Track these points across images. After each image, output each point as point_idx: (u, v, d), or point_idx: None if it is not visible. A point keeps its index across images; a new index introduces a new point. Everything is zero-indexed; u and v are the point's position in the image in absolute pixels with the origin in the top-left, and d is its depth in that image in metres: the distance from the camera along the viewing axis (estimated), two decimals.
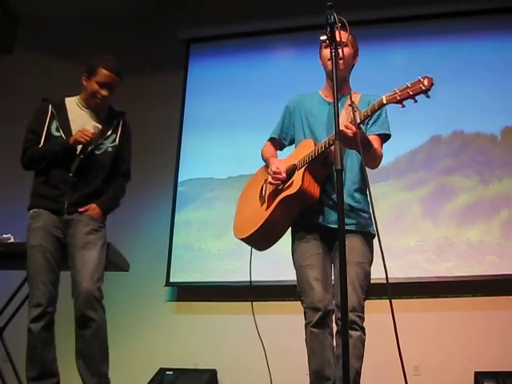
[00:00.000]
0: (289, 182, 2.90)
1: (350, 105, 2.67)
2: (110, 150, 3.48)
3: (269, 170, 3.01)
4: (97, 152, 3.42)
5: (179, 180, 6.17)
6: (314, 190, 2.84)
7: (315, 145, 2.87)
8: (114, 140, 3.51)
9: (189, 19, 6.67)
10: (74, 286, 3.24)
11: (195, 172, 6.18)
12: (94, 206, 3.38)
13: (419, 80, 2.49)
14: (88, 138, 3.31)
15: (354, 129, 2.62)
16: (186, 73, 6.58)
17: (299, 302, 2.93)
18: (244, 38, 6.52)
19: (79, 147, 3.36)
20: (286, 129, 3.21)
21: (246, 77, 6.32)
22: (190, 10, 6.70)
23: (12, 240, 4.03)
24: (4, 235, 4.03)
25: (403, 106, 2.53)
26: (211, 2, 6.66)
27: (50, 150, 3.37)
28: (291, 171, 2.94)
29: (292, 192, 2.84)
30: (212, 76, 6.49)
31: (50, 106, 3.48)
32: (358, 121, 2.65)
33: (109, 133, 3.50)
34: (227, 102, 6.25)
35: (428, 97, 2.48)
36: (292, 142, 3.23)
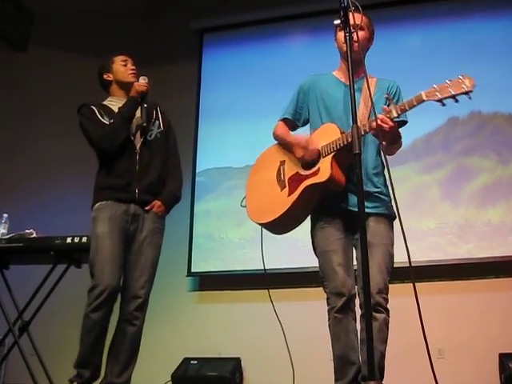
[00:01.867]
0: (314, 169, 2.86)
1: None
2: (158, 136, 3.53)
3: (294, 149, 2.97)
4: (149, 138, 3.47)
5: (197, 170, 6.18)
6: (341, 177, 2.81)
7: (341, 132, 2.82)
8: (159, 126, 3.56)
9: (201, 9, 6.66)
10: (129, 281, 3.29)
11: (213, 162, 6.19)
12: (159, 203, 3.41)
13: (459, 79, 2.49)
14: (146, 86, 3.44)
15: (391, 123, 2.67)
16: (200, 63, 6.58)
17: (320, 288, 2.92)
18: (257, 26, 6.49)
19: (138, 138, 3.42)
20: (299, 109, 3.14)
21: (261, 64, 6.30)
22: None
23: (34, 235, 4.06)
24: (26, 230, 4.07)
25: (443, 105, 2.55)
26: None
27: (120, 114, 3.38)
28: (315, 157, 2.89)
29: (321, 180, 2.80)
30: (226, 65, 6.49)
31: (93, 107, 3.47)
32: (395, 114, 2.67)
33: (153, 119, 3.55)
34: (242, 91, 6.25)
35: (470, 98, 2.48)
36: (305, 123, 3.17)
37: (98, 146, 3.38)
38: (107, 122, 3.38)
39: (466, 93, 2.47)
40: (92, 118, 3.42)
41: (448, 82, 2.52)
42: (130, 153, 3.39)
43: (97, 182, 3.43)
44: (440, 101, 2.54)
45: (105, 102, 3.55)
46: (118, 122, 3.36)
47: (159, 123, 3.57)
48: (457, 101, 2.51)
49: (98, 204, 3.34)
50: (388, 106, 2.77)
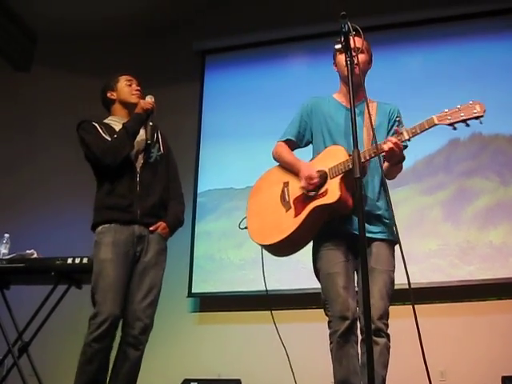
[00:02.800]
0: (322, 190, 2.84)
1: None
2: (158, 158, 3.49)
3: (301, 175, 2.93)
4: (150, 160, 3.44)
5: (198, 191, 6.19)
6: (349, 199, 2.79)
7: (349, 154, 2.80)
8: (159, 149, 3.53)
9: (203, 31, 6.71)
10: (132, 304, 3.20)
11: (214, 183, 6.20)
12: (163, 225, 3.37)
13: (470, 104, 2.55)
14: (152, 104, 3.42)
15: (401, 146, 2.72)
16: (202, 84, 6.63)
17: (321, 310, 2.91)
18: (258, 48, 6.55)
19: (139, 160, 3.39)
20: (302, 130, 3.14)
21: (262, 86, 6.34)
22: (204, 21, 6.74)
23: (35, 255, 4.06)
24: (27, 251, 4.07)
25: (455, 129, 2.61)
26: (225, 13, 6.70)
27: (124, 129, 3.33)
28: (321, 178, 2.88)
29: (330, 201, 2.78)
30: (228, 86, 6.53)
31: (94, 123, 3.44)
32: (407, 137, 2.71)
33: (154, 141, 3.51)
34: (244, 112, 6.28)
35: (481, 123, 2.53)
36: (306, 144, 3.18)
37: (100, 160, 3.29)
38: (109, 139, 3.32)
39: (477, 117, 2.52)
40: (94, 132, 3.37)
41: (459, 107, 2.58)
42: (130, 174, 3.34)
43: (97, 202, 3.35)
44: (451, 125, 2.59)
45: (106, 121, 3.51)
46: (122, 137, 3.30)
47: (159, 146, 3.54)
48: (468, 125, 2.57)
49: (100, 227, 3.26)
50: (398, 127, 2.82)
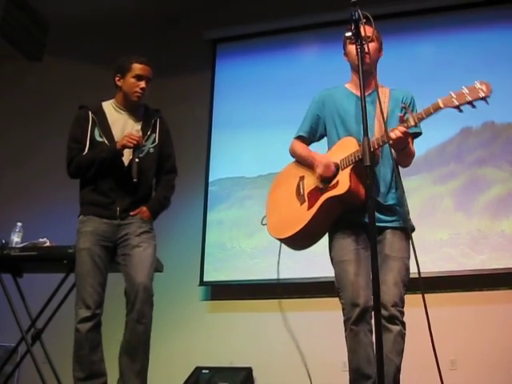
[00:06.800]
0: (333, 182, 2.84)
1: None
2: (151, 151, 3.49)
3: (316, 164, 2.92)
4: (140, 155, 3.42)
5: (210, 180, 6.20)
6: (361, 190, 2.77)
7: (359, 145, 2.78)
8: (155, 140, 3.52)
9: (214, 19, 6.69)
10: (129, 281, 3.26)
11: (225, 171, 6.20)
12: (144, 209, 3.41)
13: (476, 85, 2.48)
14: (135, 142, 3.33)
15: (408, 134, 2.69)
16: (213, 73, 6.61)
17: (336, 299, 2.90)
18: (270, 36, 6.51)
19: (126, 151, 3.38)
20: (314, 125, 3.13)
21: (274, 75, 6.32)
22: (216, 9, 6.71)
23: (48, 244, 4.09)
24: (40, 239, 4.10)
25: (461, 111, 2.54)
26: (236, 1, 6.67)
27: (97, 156, 3.36)
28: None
29: (340, 192, 2.79)
30: (239, 75, 6.52)
31: (90, 113, 3.47)
32: (413, 123, 2.67)
33: (148, 133, 3.51)
34: (255, 101, 6.26)
35: (487, 103, 2.47)
36: (321, 137, 3.17)
37: (67, 168, 3.46)
38: (85, 143, 3.40)
39: (483, 98, 2.46)
40: (79, 133, 3.44)
41: (465, 89, 2.52)
42: (117, 170, 3.39)
43: (82, 197, 3.47)
44: (457, 107, 2.53)
45: (105, 105, 3.54)
46: (89, 163, 3.37)
47: (155, 137, 3.53)
48: (474, 106, 2.50)
49: (81, 216, 3.39)
50: (404, 114, 2.76)
